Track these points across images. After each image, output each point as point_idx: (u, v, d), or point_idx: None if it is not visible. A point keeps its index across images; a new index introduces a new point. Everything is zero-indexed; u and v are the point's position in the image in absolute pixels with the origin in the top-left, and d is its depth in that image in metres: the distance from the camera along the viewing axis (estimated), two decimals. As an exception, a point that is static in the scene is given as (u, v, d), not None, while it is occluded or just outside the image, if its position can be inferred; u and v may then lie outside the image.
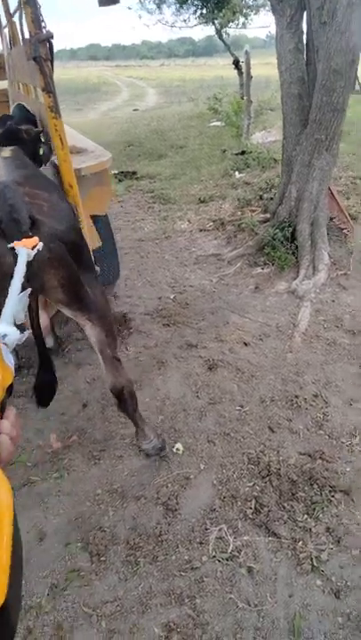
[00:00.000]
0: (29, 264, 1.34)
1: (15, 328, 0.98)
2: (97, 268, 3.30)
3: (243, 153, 7.23)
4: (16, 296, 1.11)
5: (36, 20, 2.49)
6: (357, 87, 11.41)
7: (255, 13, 11.15)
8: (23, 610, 1.82)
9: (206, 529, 2.01)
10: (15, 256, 1.37)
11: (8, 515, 0.57)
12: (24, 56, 2.84)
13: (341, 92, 3.62)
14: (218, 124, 10.45)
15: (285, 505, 2.07)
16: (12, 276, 1.21)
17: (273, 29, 4.14)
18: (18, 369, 3.14)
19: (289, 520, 2.01)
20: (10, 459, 0.71)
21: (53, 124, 2.74)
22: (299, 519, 2.01)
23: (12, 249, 1.43)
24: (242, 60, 9.01)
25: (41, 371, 2.09)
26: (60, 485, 2.31)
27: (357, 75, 4.03)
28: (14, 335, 0.95)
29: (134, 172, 7.57)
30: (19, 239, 1.43)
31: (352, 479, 2.18)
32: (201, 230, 5.15)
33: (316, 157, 3.91)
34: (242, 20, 11.33)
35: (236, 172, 6.65)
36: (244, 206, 5.22)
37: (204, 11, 11.31)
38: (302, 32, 3.92)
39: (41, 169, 2.77)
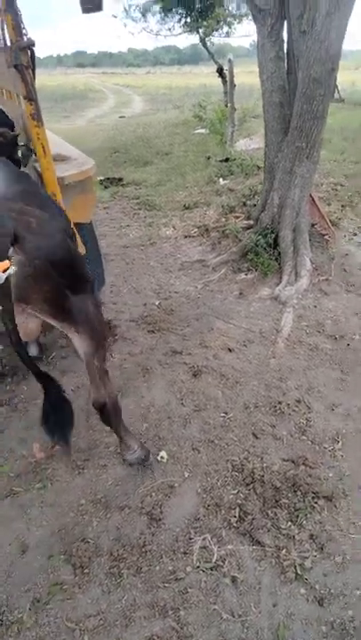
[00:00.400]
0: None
1: None
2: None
3: (227, 160, 7.28)
4: None
5: (17, 28, 2.48)
6: (337, 95, 11.58)
7: (239, 22, 11.27)
8: (4, 626, 1.79)
9: (190, 538, 2.00)
10: None
11: None
12: (5, 63, 2.83)
13: (321, 99, 3.67)
14: (202, 131, 10.52)
15: (269, 512, 2.07)
16: None
17: (256, 38, 4.18)
18: (1, 376, 3.11)
19: (273, 528, 2.01)
20: None
21: (35, 132, 2.73)
22: (282, 527, 2.01)
23: None
24: (226, 68, 9.09)
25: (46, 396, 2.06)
26: (44, 496, 2.28)
27: (337, 83, 4.08)
28: None
29: (120, 179, 7.58)
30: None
31: (335, 485, 2.19)
32: (186, 237, 5.16)
33: (297, 165, 3.95)
34: (225, 28, 11.47)
35: (221, 179, 6.69)
36: (228, 213, 5.25)
37: (189, 19, 11.41)
38: (283, 41, 3.97)
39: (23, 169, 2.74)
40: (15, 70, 2.55)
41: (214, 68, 11.44)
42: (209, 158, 7.99)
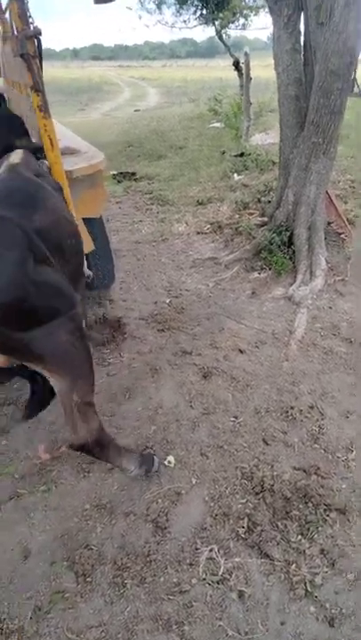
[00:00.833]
0: None
1: None
2: (89, 272, 3.23)
3: (242, 155, 7.16)
4: None
5: (23, 16, 2.41)
6: (356, 89, 11.32)
7: (255, 14, 11.06)
8: (4, 634, 1.75)
9: (197, 549, 1.94)
10: None
11: None
12: (12, 53, 2.77)
13: (339, 94, 3.55)
14: (218, 125, 10.38)
15: (279, 524, 2.00)
16: None
17: (272, 31, 4.06)
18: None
19: (282, 541, 1.94)
20: None
21: (43, 124, 2.66)
22: (292, 540, 1.94)
23: None
24: (242, 61, 8.93)
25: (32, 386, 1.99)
26: (48, 499, 2.24)
27: (356, 76, 3.96)
28: None
29: (133, 173, 7.50)
30: None
31: (348, 497, 2.11)
32: (198, 233, 5.07)
33: (313, 161, 3.84)
34: (242, 21, 11.26)
35: (235, 175, 6.58)
36: (242, 209, 5.15)
37: (205, 11, 11.23)
38: (300, 33, 3.85)
39: None
40: (21, 60, 2.48)
41: (231, 61, 11.26)
42: (224, 153, 7.87)
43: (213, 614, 1.73)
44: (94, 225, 3.48)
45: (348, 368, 2.93)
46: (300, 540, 1.94)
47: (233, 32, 12.40)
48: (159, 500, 2.16)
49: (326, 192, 4.09)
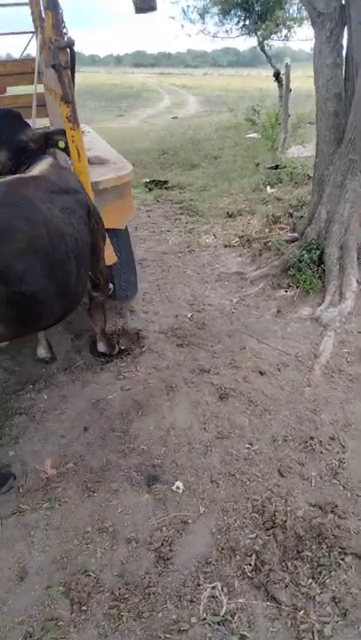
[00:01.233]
0: None
1: None
2: (110, 286, 3.19)
3: (276, 167, 7.03)
4: None
5: (57, 26, 2.39)
6: None
7: (299, 25, 10.94)
8: (-8, 660, 1.68)
9: (199, 585, 1.83)
10: None
11: None
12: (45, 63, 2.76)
13: (380, 110, 3.41)
14: (254, 135, 10.27)
15: (289, 564, 1.87)
16: None
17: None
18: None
19: (291, 583, 1.81)
20: None
21: (71, 134, 2.63)
22: (302, 583, 1.81)
23: None
24: (283, 72, 8.82)
25: None
26: (50, 518, 2.17)
27: None
28: None
29: (165, 182, 7.47)
30: None
31: (366, 541, 1.96)
32: (226, 246, 4.98)
33: (349, 179, 3.70)
34: (285, 32, 11.15)
35: (268, 187, 6.46)
36: (273, 223, 5.03)
37: (247, 22, 11.17)
38: (342, 46, 3.73)
39: None
40: (53, 70, 2.46)
41: (272, 71, 11.15)
42: (258, 165, 7.76)
43: (211, 660, 1.62)
44: (119, 236, 3.44)
45: (373, 398, 2.78)
46: (311, 584, 1.81)
47: (276, 43, 12.29)
48: (164, 528, 2.06)
49: (361, 211, 3.94)
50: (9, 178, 2.26)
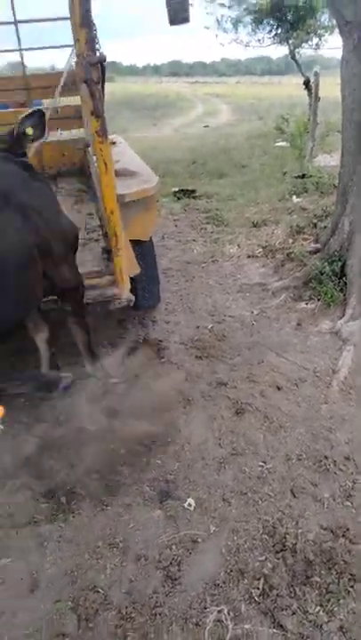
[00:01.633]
0: None
1: None
2: (131, 297, 3.19)
3: (303, 176, 6.96)
4: None
5: (90, 42, 2.43)
6: None
7: (330, 34, 10.85)
8: (-1, 673, 1.71)
9: (205, 608, 1.82)
10: None
11: None
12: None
13: None
14: (283, 144, 10.20)
15: (297, 590, 1.84)
16: None
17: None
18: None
19: (299, 610, 1.78)
20: None
21: (99, 148, 2.67)
22: (310, 610, 1.77)
23: None
24: (312, 80, 8.74)
25: None
26: (63, 530, 2.20)
27: None
28: None
29: (193, 191, 7.49)
30: None
31: (378, 568, 1.91)
32: (249, 256, 4.95)
33: (373, 190, 3.64)
34: (315, 40, 11.07)
35: (294, 197, 6.40)
36: (297, 234, 4.97)
37: (279, 30, 11.14)
38: (369, 56, 3.67)
39: None
40: (85, 85, 2.50)
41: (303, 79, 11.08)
42: (285, 173, 7.70)
43: None
44: (143, 248, 3.46)
45: (394, 417, 2.71)
46: (319, 611, 1.77)
47: (308, 51, 12.22)
48: (173, 547, 2.06)
49: (386, 222, 3.86)
50: None
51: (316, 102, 7.88)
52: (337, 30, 10.02)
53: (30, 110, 2.42)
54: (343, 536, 2.01)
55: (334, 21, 10.35)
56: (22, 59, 5.23)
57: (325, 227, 4.68)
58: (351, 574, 1.86)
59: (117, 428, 2.59)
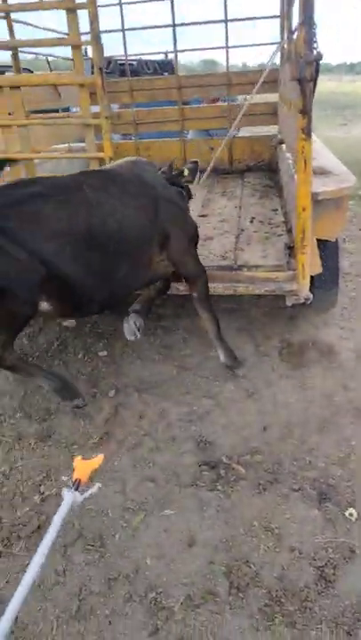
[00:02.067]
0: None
1: None
2: (309, 295, 3.17)
3: None
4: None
5: (309, 41, 2.45)
6: None
7: None
8: (157, 607, 1.89)
9: (359, 620, 1.79)
10: None
11: None
12: (289, 75, 2.85)
13: None
14: None
15: None
16: None
17: None
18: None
19: None
20: None
21: (301, 145, 2.69)
22: None
23: None
24: None
25: None
26: (222, 501, 2.32)
27: None
28: None
29: (382, 195, 7.06)
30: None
31: None
32: None
33: None
34: None
35: None
36: None
37: None
38: None
39: None
40: (296, 83, 2.52)
41: None
42: None
43: None
44: (328, 247, 3.40)
45: None
46: None
47: None
48: (330, 550, 2.05)
49: None
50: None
51: None
52: None
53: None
54: None
55: None
56: (227, 55, 5.38)
57: None
58: None
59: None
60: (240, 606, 1.88)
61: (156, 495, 2.38)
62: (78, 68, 2.83)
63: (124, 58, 7.99)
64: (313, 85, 2.60)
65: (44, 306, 2.42)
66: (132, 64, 7.92)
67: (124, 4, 5.11)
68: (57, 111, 5.57)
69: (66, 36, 4.89)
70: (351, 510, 2.22)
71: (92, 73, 2.98)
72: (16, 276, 2.25)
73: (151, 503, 2.34)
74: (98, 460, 1.62)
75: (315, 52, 2.51)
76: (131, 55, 6.09)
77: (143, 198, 2.68)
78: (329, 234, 3.32)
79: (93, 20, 2.60)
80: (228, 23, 5.05)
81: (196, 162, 3.13)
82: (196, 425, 2.80)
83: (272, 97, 5.51)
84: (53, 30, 4.32)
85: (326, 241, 3.35)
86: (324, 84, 35.04)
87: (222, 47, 5.17)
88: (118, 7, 5.09)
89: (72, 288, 2.43)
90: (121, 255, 2.56)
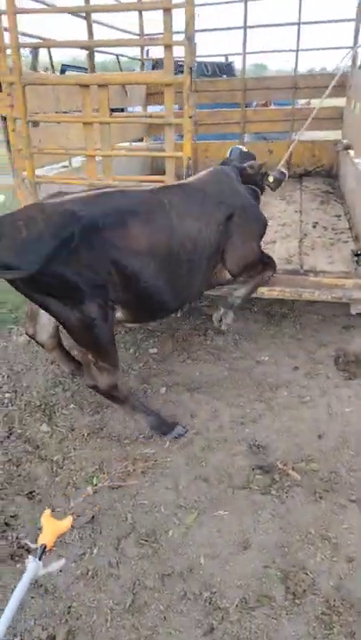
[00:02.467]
0: None
1: None
2: None
3: None
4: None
5: None
6: None
7: None
8: (212, 605, 1.88)
9: None
10: None
11: None
12: None
13: None
14: None
15: None
16: None
17: None
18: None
19: None
20: None
21: None
22: None
23: None
24: None
25: None
26: (277, 505, 2.29)
27: None
28: None
29: None
30: None
31: None
32: None
33: None
34: None
35: None
36: None
37: None
38: None
39: None
40: None
41: None
42: None
43: None
44: None
45: None
46: None
47: None
48: (391, 566, 1.99)
49: None
50: (159, 186, 2.75)
51: None
52: None
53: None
54: None
55: None
56: (297, 59, 5.35)
57: None
58: None
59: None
60: (297, 612, 1.85)
61: (209, 495, 2.37)
62: (168, 68, 2.86)
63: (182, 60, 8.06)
64: None
65: (118, 314, 2.48)
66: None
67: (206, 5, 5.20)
68: (122, 110, 5.69)
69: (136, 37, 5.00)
70: None
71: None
72: (101, 288, 2.28)
73: (204, 502, 2.33)
74: (66, 522, 1.55)
75: None
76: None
77: (219, 214, 2.75)
78: None
79: (190, 20, 2.63)
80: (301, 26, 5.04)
81: (284, 173, 3.19)
82: (249, 428, 2.78)
83: (335, 102, 5.46)
84: (123, 30, 4.43)
85: None
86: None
87: (293, 50, 5.15)
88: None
89: (149, 299, 2.51)
90: (195, 268, 2.65)
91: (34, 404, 3.01)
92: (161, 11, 2.87)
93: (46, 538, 1.48)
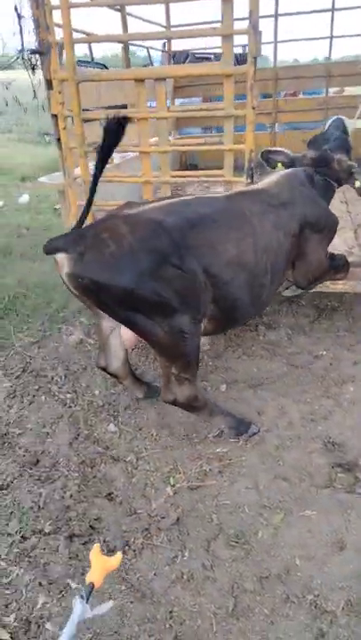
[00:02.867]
0: None
1: None
2: None
3: None
4: None
5: None
6: None
7: None
8: (319, 609, 1.85)
9: None
10: None
11: None
12: None
13: None
14: None
15: None
16: None
17: None
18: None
19: None
20: None
21: None
22: None
23: None
24: None
25: None
26: (361, 505, 2.25)
27: None
28: None
29: None
30: None
31: None
32: None
33: None
34: None
35: None
36: None
37: None
38: None
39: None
40: None
41: None
42: None
43: None
44: None
45: None
46: None
47: None
48: None
49: None
50: (231, 191, 2.65)
51: None
52: None
53: None
54: None
55: None
56: (331, 46, 5.26)
57: None
58: None
59: None
60: None
61: (293, 495, 2.33)
62: (227, 59, 2.79)
63: (201, 51, 7.91)
64: None
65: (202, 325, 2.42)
66: (208, 57, 7.89)
67: None
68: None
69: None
70: None
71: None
72: (193, 301, 2.21)
73: (289, 502, 2.29)
74: (116, 560, 1.48)
75: None
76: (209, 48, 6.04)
77: (294, 223, 2.65)
78: None
79: (254, 8, 2.55)
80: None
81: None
82: (321, 425, 2.73)
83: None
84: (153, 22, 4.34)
85: None
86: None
87: (326, 37, 5.05)
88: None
89: (236, 310, 2.46)
90: (275, 277, 2.61)
91: (97, 404, 2.97)
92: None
93: (94, 576, 1.41)
